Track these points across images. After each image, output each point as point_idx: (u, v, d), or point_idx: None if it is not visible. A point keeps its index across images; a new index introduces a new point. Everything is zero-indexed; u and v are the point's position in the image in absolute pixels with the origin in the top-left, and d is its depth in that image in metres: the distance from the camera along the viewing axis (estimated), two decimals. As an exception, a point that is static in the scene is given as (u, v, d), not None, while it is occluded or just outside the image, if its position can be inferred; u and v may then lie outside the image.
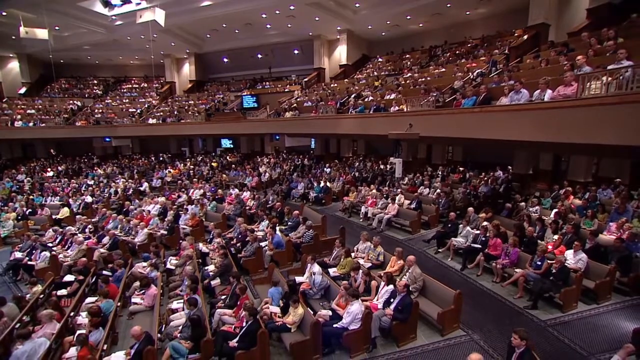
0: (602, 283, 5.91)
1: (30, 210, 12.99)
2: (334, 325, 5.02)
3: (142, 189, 16.35)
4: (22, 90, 25.97)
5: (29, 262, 8.44)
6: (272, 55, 24.80)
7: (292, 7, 17.51)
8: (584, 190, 9.80)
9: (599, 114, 5.05)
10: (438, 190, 11.39)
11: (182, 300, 6.23)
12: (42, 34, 17.46)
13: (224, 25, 20.85)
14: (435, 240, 8.63)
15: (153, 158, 24.07)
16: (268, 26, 20.93)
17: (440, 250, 8.41)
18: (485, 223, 8.30)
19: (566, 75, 5.97)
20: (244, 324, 5.04)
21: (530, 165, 12.31)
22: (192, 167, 20.57)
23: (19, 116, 22.04)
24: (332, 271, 6.82)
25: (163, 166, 20.99)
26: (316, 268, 6.30)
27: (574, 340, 5.04)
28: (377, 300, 5.56)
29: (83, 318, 5.74)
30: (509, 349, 3.87)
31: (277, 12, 18.15)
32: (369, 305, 5.34)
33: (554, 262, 6.16)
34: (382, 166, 16.34)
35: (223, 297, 6.27)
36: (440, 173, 14.09)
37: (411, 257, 6.11)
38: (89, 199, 14.16)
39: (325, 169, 17.01)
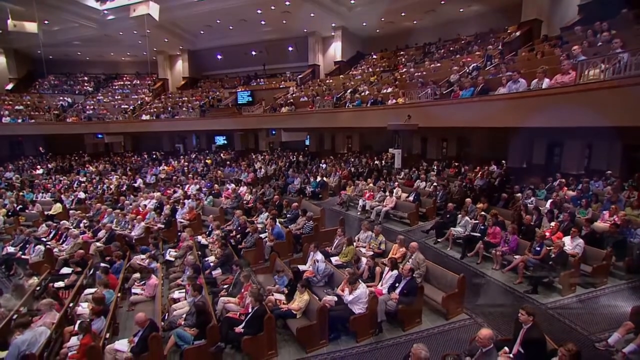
0: (599, 267, 6.06)
1: (20, 206, 12.69)
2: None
3: (136, 185, 16.12)
4: (9, 86, 25.34)
5: (23, 256, 8.25)
6: (266, 52, 24.71)
7: (287, 3, 17.49)
8: (577, 182, 10.04)
9: (597, 99, 5.19)
10: (435, 184, 11.51)
11: (183, 290, 6.17)
12: (31, 27, 17.09)
13: (218, 22, 20.69)
14: (434, 231, 8.72)
15: (146, 156, 23.74)
16: (262, 22, 20.84)
17: (439, 240, 8.49)
18: (482, 213, 8.42)
19: (564, 64, 6.11)
20: (250, 310, 5.01)
21: (524, 160, 12.53)
22: (186, 164, 20.37)
23: (6, 112, 21.50)
24: (334, 260, 6.84)
25: (157, 163, 20.74)
26: (319, 256, 6.31)
27: (574, 322, 5.15)
28: (382, 285, 5.59)
29: (83, 308, 5.64)
30: (515, 326, 3.93)
31: (273, 7, 18.11)
32: (373, 291, 5.37)
33: (552, 247, 6.30)
34: (377, 162, 16.43)
35: (225, 286, 6.24)
36: (435, 167, 14.24)
37: (414, 244, 6.17)
38: (82, 195, 13.91)
39: (321, 164, 17.03)
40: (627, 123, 4.92)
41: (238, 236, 8.46)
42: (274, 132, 19.01)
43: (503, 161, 12.90)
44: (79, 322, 4.92)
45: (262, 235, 8.10)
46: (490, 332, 3.48)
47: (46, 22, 19.77)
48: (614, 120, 5.05)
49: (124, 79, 29.52)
